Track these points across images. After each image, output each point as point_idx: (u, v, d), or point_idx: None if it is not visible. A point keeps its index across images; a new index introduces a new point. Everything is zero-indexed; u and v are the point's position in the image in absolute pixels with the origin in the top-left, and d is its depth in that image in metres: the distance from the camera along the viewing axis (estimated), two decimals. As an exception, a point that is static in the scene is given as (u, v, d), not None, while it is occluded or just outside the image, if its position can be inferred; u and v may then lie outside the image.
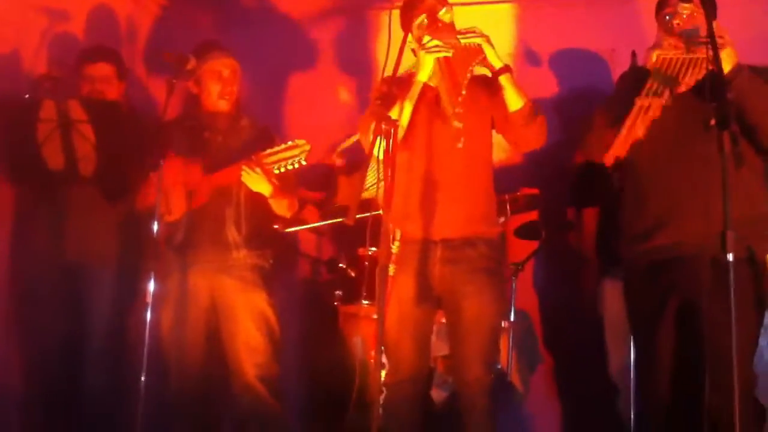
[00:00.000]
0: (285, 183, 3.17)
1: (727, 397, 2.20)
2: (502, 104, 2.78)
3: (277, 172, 3.04)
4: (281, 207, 3.23)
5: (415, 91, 2.75)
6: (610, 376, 3.63)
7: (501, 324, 3.06)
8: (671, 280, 2.68)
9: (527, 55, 4.27)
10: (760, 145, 2.68)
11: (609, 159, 2.71)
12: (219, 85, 3.25)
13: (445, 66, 2.71)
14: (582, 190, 3.82)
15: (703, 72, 2.56)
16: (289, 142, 3.05)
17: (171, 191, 3.10)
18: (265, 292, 3.21)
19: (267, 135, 3.31)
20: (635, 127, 2.64)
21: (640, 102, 2.63)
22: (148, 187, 3.09)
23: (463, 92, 2.65)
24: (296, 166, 3.04)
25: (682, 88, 2.60)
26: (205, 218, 3.16)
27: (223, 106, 3.27)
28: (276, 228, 3.56)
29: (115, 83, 3.46)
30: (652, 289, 2.73)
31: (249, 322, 3.15)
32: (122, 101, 3.49)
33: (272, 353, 3.17)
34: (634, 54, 3.56)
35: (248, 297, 3.17)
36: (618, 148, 2.68)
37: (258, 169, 3.03)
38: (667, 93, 2.61)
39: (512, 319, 3.68)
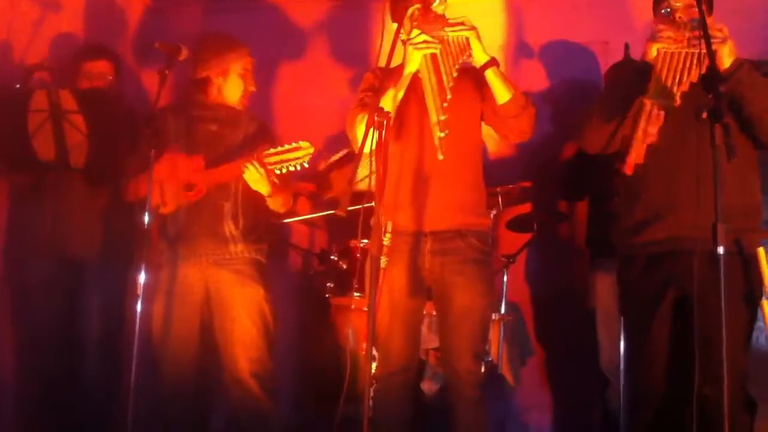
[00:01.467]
0: (281, 180, 3.13)
1: (719, 388, 2.21)
2: (491, 97, 2.78)
3: (278, 172, 3.00)
4: (276, 204, 3.19)
5: (403, 83, 2.74)
6: (601, 368, 3.65)
7: (491, 316, 3.07)
8: (669, 272, 2.69)
9: (519, 47, 4.27)
10: (759, 139, 2.69)
11: (629, 168, 2.64)
12: (248, 85, 3.24)
13: (431, 64, 2.71)
14: (573, 183, 3.83)
15: (704, 67, 2.53)
16: (293, 144, 3.00)
17: (166, 183, 3.06)
18: (262, 287, 3.17)
19: (267, 131, 3.28)
20: (648, 132, 2.60)
21: (649, 104, 2.59)
22: (141, 178, 3.05)
23: (449, 97, 2.65)
24: (298, 168, 3.00)
25: (686, 87, 2.57)
26: (202, 211, 3.12)
27: (240, 104, 3.25)
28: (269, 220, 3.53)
29: (113, 81, 3.48)
30: (650, 281, 2.72)
31: (245, 316, 3.11)
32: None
33: (267, 349, 3.14)
34: (627, 46, 3.57)
35: (245, 291, 3.13)
36: (636, 155, 2.62)
37: (261, 169, 2.99)
38: (674, 95, 2.56)
39: (503, 311, 3.69)
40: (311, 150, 2.99)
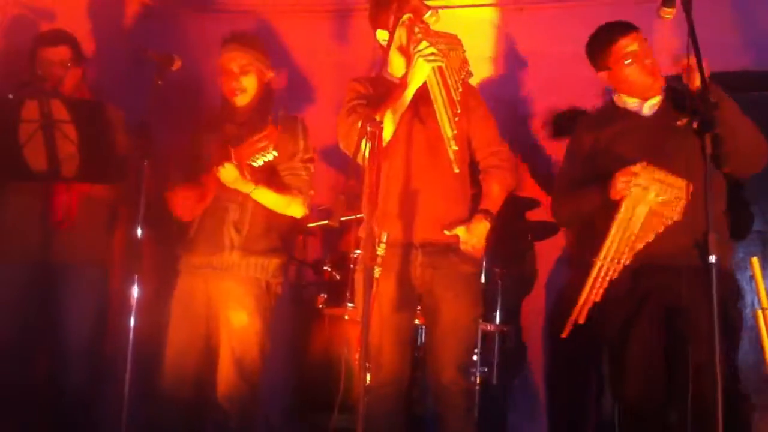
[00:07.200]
0: (294, 181, 3.11)
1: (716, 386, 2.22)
2: (478, 127, 2.84)
3: (255, 165, 2.91)
4: (272, 201, 3.07)
5: (405, 100, 2.71)
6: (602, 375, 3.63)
7: (478, 329, 3.08)
8: (649, 285, 2.71)
9: (508, 59, 4.26)
10: (736, 167, 2.71)
11: (566, 333, 2.76)
12: (227, 81, 3.16)
13: (440, 77, 2.69)
14: None
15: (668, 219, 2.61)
16: (259, 134, 2.90)
17: (180, 192, 3.05)
18: (251, 310, 3.06)
19: (292, 127, 3.18)
20: (595, 293, 2.68)
21: (599, 265, 2.67)
22: (178, 197, 3.04)
23: (459, 110, 2.66)
24: (268, 157, 2.88)
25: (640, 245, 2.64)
26: (209, 216, 3.08)
27: (239, 101, 3.17)
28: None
29: (72, 69, 3.37)
30: (630, 295, 2.73)
31: (226, 345, 3.04)
32: (79, 87, 3.43)
33: (242, 379, 3.03)
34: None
35: (232, 319, 3.05)
36: (579, 317, 2.71)
37: (228, 165, 2.88)
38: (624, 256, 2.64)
39: (498, 321, 3.68)
40: (274, 135, 2.86)
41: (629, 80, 2.81)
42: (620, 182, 2.64)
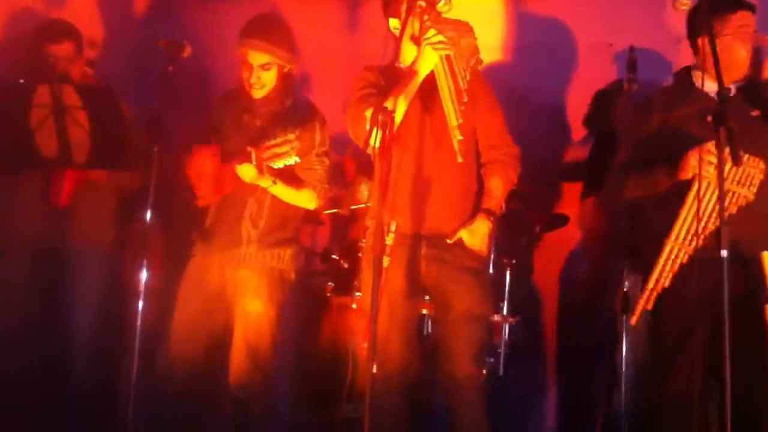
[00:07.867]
0: (308, 175, 3.09)
1: None
2: (484, 118, 2.83)
3: (275, 167, 2.88)
4: (288, 196, 3.06)
5: (414, 86, 2.71)
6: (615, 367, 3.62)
7: (489, 322, 3.08)
8: (706, 280, 2.57)
9: (519, 49, 4.24)
10: None
11: (635, 318, 2.69)
12: (247, 74, 3.09)
13: (447, 65, 2.69)
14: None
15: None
16: (288, 136, 2.86)
17: (202, 176, 3.02)
18: (271, 303, 3.05)
19: (310, 121, 3.13)
20: (662, 278, 2.60)
21: (669, 248, 2.58)
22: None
23: (465, 99, 2.65)
24: (289, 162, 2.85)
25: (706, 232, 2.55)
26: (226, 208, 3.07)
27: (256, 94, 3.11)
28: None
29: (77, 61, 3.39)
30: (685, 291, 2.60)
31: (240, 332, 3.04)
32: (85, 74, 3.45)
33: (255, 368, 3.02)
34: (632, 49, 3.54)
35: (247, 306, 3.04)
36: (647, 303, 2.64)
37: (246, 165, 2.86)
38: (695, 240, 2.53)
39: (505, 313, 3.68)
40: (297, 144, 2.84)
41: (733, 55, 2.71)
42: (693, 159, 2.56)
